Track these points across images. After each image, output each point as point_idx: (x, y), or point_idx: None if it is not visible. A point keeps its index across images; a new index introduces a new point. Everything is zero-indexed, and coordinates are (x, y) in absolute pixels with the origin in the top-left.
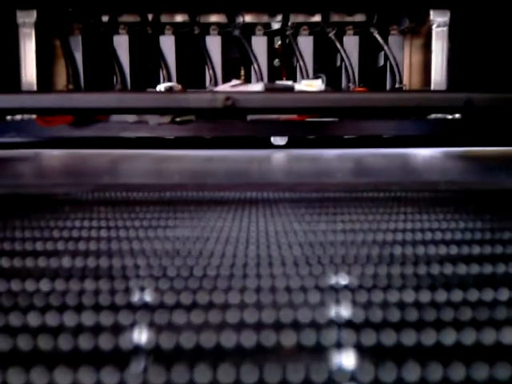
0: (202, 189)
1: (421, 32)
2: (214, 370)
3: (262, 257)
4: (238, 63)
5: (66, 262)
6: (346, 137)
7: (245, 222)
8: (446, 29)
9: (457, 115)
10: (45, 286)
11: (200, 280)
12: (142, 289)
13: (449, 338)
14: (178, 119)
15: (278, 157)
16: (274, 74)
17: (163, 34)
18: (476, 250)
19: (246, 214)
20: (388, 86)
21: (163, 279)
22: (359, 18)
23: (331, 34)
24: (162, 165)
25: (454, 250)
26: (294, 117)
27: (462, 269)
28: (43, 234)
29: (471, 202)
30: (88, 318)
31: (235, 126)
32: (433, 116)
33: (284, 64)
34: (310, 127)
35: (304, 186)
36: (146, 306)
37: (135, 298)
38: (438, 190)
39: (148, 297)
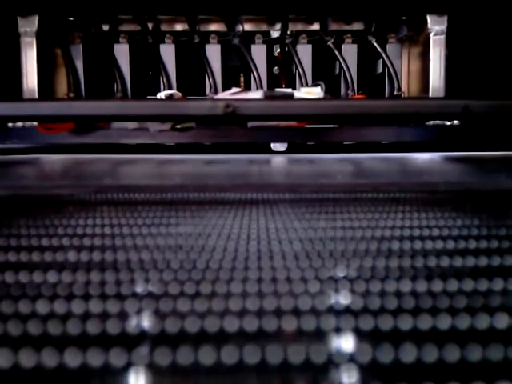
0: (202, 190)
1: (419, 40)
2: (218, 351)
3: (262, 251)
4: (237, 71)
5: (71, 256)
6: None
7: (246, 220)
8: (443, 37)
9: (455, 122)
10: (52, 277)
11: (203, 272)
12: (147, 280)
13: (444, 323)
14: (178, 126)
15: (278, 160)
16: (273, 81)
17: (163, 42)
18: (472, 244)
19: (247, 213)
20: (386, 93)
21: (167, 271)
22: (357, 26)
23: (330, 42)
24: (163, 168)
25: (450, 244)
26: (293, 123)
27: (458, 261)
28: (48, 231)
29: (469, 201)
30: (95, 306)
31: (235, 132)
32: (431, 122)
33: (283, 72)
34: (309, 134)
35: (304, 187)
36: (150, 295)
37: (140, 288)
38: (436, 191)
39: (153, 287)
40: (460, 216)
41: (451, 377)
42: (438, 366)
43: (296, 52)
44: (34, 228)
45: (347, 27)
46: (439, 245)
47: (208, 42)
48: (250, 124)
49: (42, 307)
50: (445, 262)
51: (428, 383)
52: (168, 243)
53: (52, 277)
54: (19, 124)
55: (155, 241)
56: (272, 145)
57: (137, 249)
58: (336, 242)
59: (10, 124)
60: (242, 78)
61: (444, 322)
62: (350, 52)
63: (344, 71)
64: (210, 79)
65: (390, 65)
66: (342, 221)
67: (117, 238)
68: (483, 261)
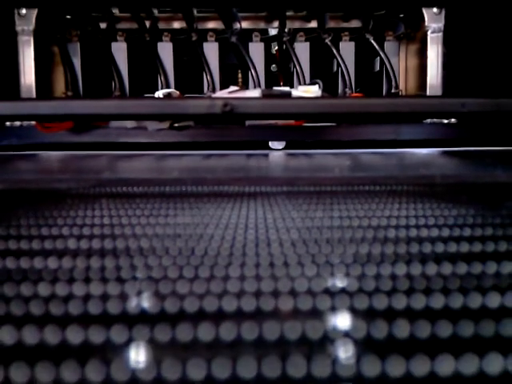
0: (201, 183)
1: (416, 37)
2: (216, 328)
3: (260, 239)
4: (235, 69)
5: (71, 243)
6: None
7: (244, 211)
8: (440, 34)
9: (452, 120)
10: (53, 263)
11: (201, 257)
12: (147, 265)
13: (437, 302)
14: (176, 125)
15: (276, 155)
16: (271, 79)
17: (161, 40)
18: (467, 232)
19: (245, 205)
20: (384, 91)
21: (166, 257)
22: (355, 23)
23: (327, 40)
24: (162, 163)
25: (445, 232)
26: (291, 122)
27: (453, 247)
28: (48, 222)
29: (464, 193)
30: (96, 289)
31: (233, 131)
32: (429, 120)
33: (281, 69)
34: (307, 132)
35: (301, 181)
36: (150, 279)
37: (140, 272)
38: (433, 183)
39: (152, 271)
40: (455, 206)
41: (444, 350)
42: (431, 341)
43: (294, 50)
44: (33, 218)
45: (345, 25)
46: (434, 232)
47: (206, 40)
48: (248, 122)
49: (43, 290)
50: (439, 247)
51: (421, 356)
52: (167, 232)
53: (52, 263)
54: (17, 123)
55: (154, 230)
56: (270, 142)
57: (136, 237)
58: (333, 230)
59: (7, 123)
60: (239, 75)
61: (437, 302)
62: (347, 50)
63: (342, 69)
64: (208, 77)
65: (387, 62)
66: (339, 211)
67: (116, 227)
68: (477, 246)
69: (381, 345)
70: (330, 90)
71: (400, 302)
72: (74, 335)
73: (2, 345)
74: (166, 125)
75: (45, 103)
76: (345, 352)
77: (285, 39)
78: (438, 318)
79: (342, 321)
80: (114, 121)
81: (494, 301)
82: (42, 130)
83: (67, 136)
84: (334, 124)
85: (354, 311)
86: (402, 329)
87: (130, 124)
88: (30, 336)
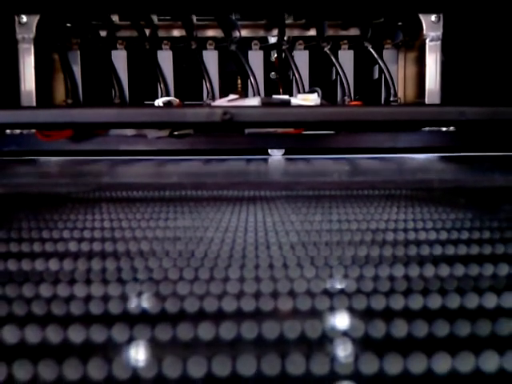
0: (200, 187)
1: (415, 46)
2: (217, 327)
3: (259, 242)
4: (234, 76)
5: (72, 246)
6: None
7: (243, 215)
8: (439, 43)
9: (451, 127)
10: (54, 265)
11: (201, 259)
12: (147, 267)
13: (435, 302)
14: (176, 133)
15: (275, 159)
16: (270, 87)
17: (161, 48)
18: (465, 235)
19: (244, 209)
20: (383, 99)
21: (166, 259)
22: (354, 32)
23: (326, 49)
24: (161, 168)
25: (443, 235)
26: (290, 130)
27: (451, 250)
28: (49, 225)
29: (462, 196)
30: (97, 290)
31: (233, 139)
32: (427, 128)
33: (281, 77)
34: (306, 140)
35: (300, 185)
36: (151, 280)
37: (141, 274)
38: (431, 188)
39: (153, 273)
40: (453, 210)
41: (441, 349)
42: (428, 340)
43: (293, 58)
44: (33, 221)
45: (343, 33)
46: (432, 235)
47: (205, 48)
48: (248, 130)
49: (45, 291)
50: (437, 250)
51: (418, 354)
52: (167, 235)
53: (53, 265)
54: (17, 131)
55: (154, 233)
56: (269, 150)
57: (136, 240)
58: (331, 233)
59: (8, 131)
60: (239, 81)
61: (435, 302)
62: (346, 58)
63: (340, 77)
64: (208, 85)
65: (386, 70)
66: (337, 215)
67: (116, 230)
68: (475, 249)
69: (379, 344)
70: (329, 97)
71: (398, 303)
72: (76, 334)
73: (6, 344)
74: (165, 133)
75: (44, 111)
76: (343, 351)
77: (284, 47)
78: (435, 318)
79: (341, 320)
80: (113, 129)
81: (490, 301)
82: (42, 138)
83: (67, 144)
84: (332, 132)
85: (352, 311)
86: (400, 328)
87: (129, 132)
88: (32, 335)
